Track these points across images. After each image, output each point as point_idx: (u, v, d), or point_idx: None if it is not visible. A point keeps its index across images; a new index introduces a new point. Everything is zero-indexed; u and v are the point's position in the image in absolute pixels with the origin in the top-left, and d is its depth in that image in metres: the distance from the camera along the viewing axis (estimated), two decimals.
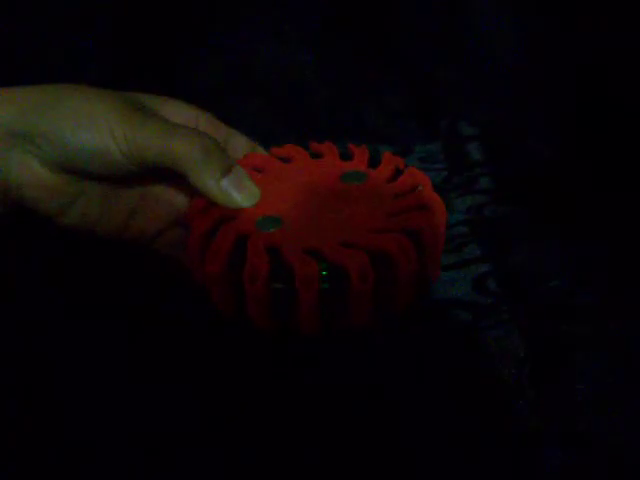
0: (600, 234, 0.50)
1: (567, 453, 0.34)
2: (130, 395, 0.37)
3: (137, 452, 0.35)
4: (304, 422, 0.36)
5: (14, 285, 0.45)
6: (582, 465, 0.34)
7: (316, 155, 0.43)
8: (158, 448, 0.35)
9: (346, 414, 0.36)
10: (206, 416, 0.36)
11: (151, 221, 0.41)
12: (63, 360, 0.40)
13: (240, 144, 0.42)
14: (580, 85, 0.65)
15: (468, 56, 0.69)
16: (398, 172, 0.41)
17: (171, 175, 0.38)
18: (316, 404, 0.37)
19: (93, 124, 0.36)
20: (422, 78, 0.68)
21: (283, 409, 0.37)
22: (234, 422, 0.36)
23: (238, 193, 0.38)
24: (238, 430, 0.36)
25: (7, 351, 0.40)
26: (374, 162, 0.42)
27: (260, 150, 0.43)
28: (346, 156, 0.43)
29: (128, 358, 0.40)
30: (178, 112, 0.41)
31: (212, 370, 0.39)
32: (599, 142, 0.59)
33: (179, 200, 0.41)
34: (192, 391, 0.38)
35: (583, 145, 0.60)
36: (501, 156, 0.60)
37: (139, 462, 0.34)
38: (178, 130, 0.37)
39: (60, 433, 0.36)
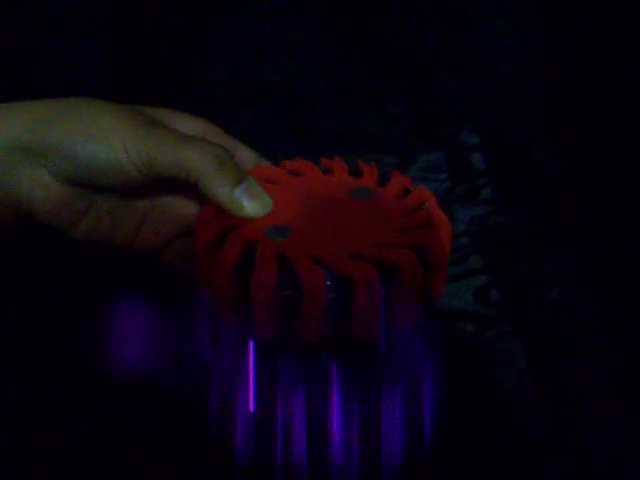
0: (602, 245, 0.50)
1: (568, 462, 0.34)
2: (133, 402, 0.37)
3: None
4: (304, 430, 0.36)
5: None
6: (582, 474, 0.34)
7: (326, 171, 0.44)
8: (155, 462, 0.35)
9: (347, 423, 0.36)
10: (207, 425, 0.36)
11: (161, 231, 0.41)
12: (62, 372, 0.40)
13: (246, 157, 0.42)
14: (582, 93, 0.65)
15: (471, 65, 0.70)
16: (406, 191, 0.42)
17: (181, 185, 0.38)
18: (317, 412, 0.37)
19: (105, 137, 0.36)
20: (424, 87, 0.68)
21: (283, 417, 0.37)
22: (235, 428, 0.36)
23: (250, 202, 0.38)
24: (236, 436, 0.36)
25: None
26: (382, 179, 0.43)
27: (265, 163, 0.43)
28: (355, 173, 0.44)
29: (130, 364, 0.40)
30: (185, 125, 0.41)
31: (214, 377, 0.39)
32: (601, 151, 0.60)
33: (189, 209, 0.41)
34: (195, 399, 0.38)
35: (586, 155, 0.60)
36: (504, 166, 0.60)
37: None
38: (190, 141, 0.37)
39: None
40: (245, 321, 0.37)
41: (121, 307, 0.43)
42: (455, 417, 0.36)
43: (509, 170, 0.60)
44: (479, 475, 0.34)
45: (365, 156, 0.60)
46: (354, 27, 0.71)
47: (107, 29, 0.68)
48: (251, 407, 0.37)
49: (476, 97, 0.69)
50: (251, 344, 0.38)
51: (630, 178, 0.56)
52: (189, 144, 0.37)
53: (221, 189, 0.37)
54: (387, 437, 0.36)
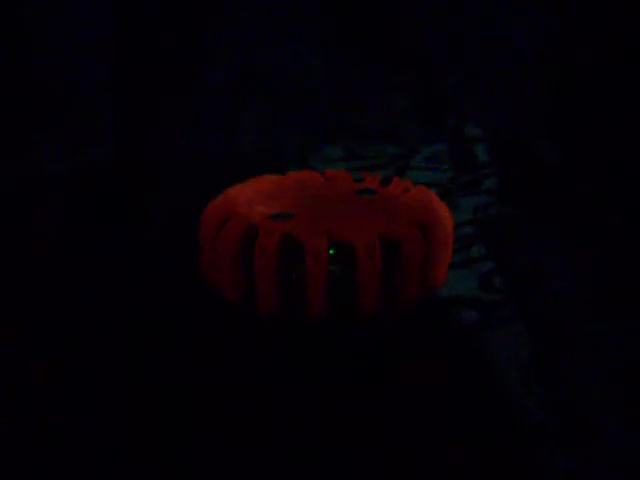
0: (603, 234, 0.50)
1: (570, 450, 0.34)
2: (133, 385, 0.38)
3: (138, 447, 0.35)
4: (303, 409, 0.36)
5: None
6: (584, 463, 0.34)
7: (330, 179, 0.46)
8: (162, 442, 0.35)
9: (347, 404, 0.36)
10: (210, 404, 0.36)
11: None
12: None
13: None
14: (584, 88, 0.65)
15: (475, 59, 0.70)
16: (407, 190, 0.44)
17: None
18: (318, 391, 0.37)
19: None
20: (430, 79, 0.69)
21: (284, 397, 0.37)
22: (238, 407, 0.36)
23: None
24: (240, 415, 0.36)
25: None
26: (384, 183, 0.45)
27: None
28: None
29: (131, 347, 0.40)
30: None
31: (216, 355, 0.39)
32: (601, 144, 0.60)
33: None
34: (195, 376, 0.38)
35: (586, 147, 0.60)
36: (506, 158, 0.61)
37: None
38: None
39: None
40: (249, 298, 0.38)
41: None
42: (456, 404, 0.37)
43: (511, 161, 0.60)
44: (478, 466, 0.34)
45: (370, 147, 0.60)
46: (361, 19, 0.71)
47: (109, 20, 0.68)
48: None
49: (480, 91, 0.69)
50: None
51: (628, 167, 0.56)
52: None
53: None
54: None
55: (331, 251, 0.37)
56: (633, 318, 0.42)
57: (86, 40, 0.67)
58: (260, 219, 0.39)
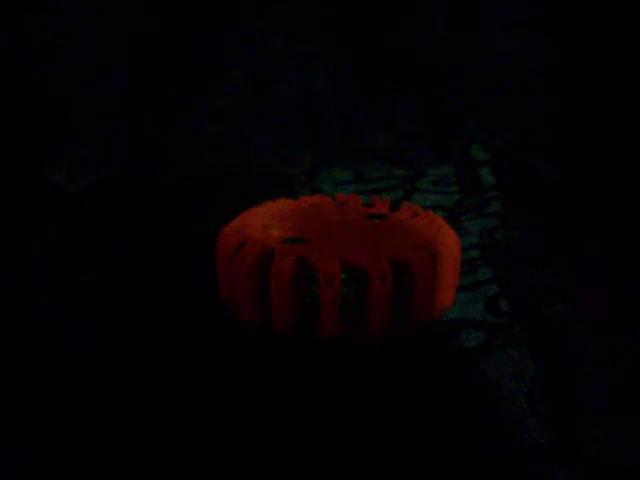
0: (609, 256, 0.51)
1: (576, 471, 0.34)
2: (146, 403, 0.38)
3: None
4: (314, 426, 0.37)
5: None
6: None
7: (341, 204, 0.47)
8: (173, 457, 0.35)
9: (355, 424, 0.37)
10: (224, 421, 0.37)
11: None
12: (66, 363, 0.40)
13: None
14: (590, 110, 0.66)
15: (481, 81, 0.70)
16: (415, 215, 0.45)
17: None
18: (328, 410, 0.38)
19: None
20: (436, 102, 0.69)
21: (296, 414, 0.37)
22: (252, 423, 0.37)
23: None
24: (254, 431, 0.36)
25: None
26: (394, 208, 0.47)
27: None
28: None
29: (141, 366, 0.41)
30: None
31: (232, 372, 0.40)
32: (608, 165, 0.60)
33: None
34: (209, 398, 0.38)
35: (591, 169, 0.61)
36: (512, 180, 0.61)
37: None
38: None
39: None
40: (265, 319, 0.39)
41: None
42: (462, 424, 0.37)
43: (517, 184, 0.61)
44: None
45: (376, 169, 0.61)
46: (368, 42, 0.72)
47: (124, 35, 0.69)
48: None
49: (485, 113, 0.70)
50: None
51: (633, 190, 0.57)
52: None
53: None
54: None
55: (343, 275, 0.38)
56: (637, 340, 0.43)
57: (99, 57, 0.68)
58: (275, 243, 0.40)
